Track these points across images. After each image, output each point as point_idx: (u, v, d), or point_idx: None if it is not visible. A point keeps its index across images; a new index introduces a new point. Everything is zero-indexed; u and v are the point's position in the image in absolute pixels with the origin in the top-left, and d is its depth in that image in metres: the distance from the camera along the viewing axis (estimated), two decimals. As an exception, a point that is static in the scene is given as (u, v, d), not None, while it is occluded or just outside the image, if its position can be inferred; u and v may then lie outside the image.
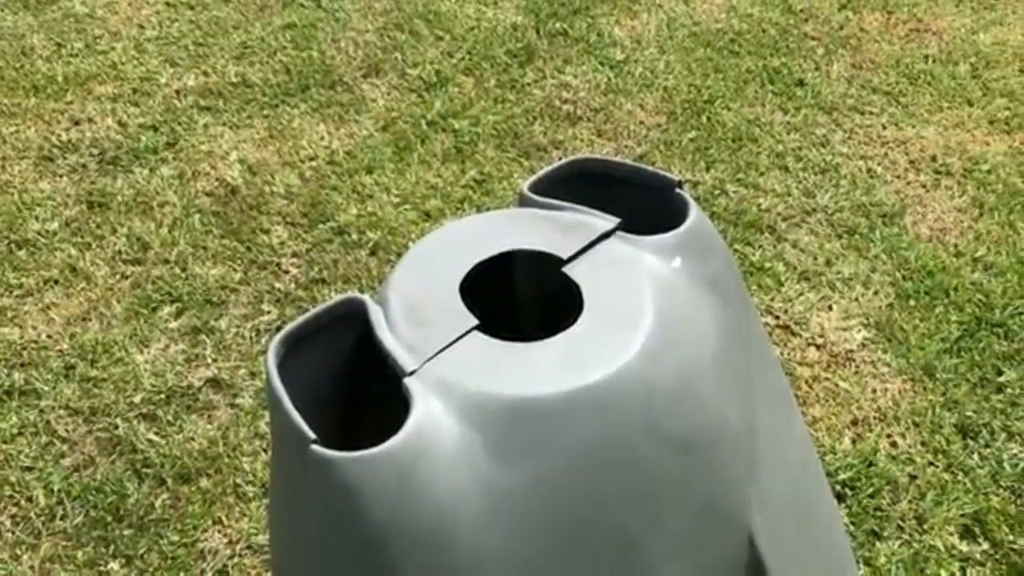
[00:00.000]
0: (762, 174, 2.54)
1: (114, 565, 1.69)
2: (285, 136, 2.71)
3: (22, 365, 2.05)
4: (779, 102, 2.81)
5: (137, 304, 2.18)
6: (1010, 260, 2.25)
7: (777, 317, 2.12)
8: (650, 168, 1.07)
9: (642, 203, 1.03)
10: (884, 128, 2.71)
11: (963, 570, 1.65)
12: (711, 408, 0.94)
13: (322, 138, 2.70)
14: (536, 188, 1.05)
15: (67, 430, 1.92)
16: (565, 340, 0.89)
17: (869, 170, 2.55)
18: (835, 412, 1.92)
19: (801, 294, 2.17)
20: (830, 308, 2.14)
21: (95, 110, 2.83)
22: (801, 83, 2.89)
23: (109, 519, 1.76)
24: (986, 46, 3.05)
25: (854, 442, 1.85)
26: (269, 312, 2.16)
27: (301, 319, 0.90)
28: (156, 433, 1.90)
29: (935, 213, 2.41)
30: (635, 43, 3.10)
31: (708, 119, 2.74)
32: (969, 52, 3.02)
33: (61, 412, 1.95)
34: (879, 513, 1.73)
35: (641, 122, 2.75)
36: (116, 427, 1.91)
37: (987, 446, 1.84)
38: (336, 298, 0.92)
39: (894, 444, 1.85)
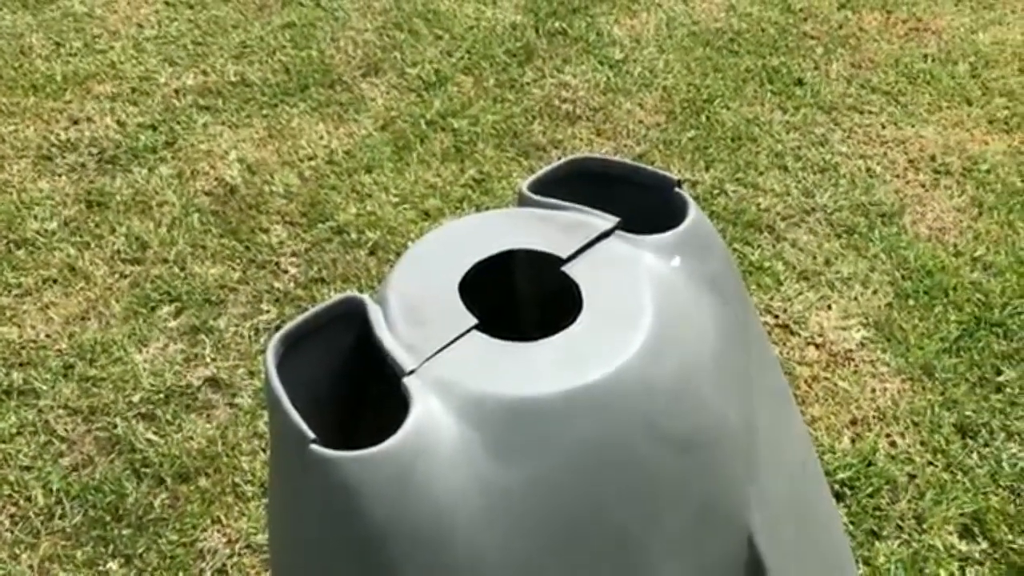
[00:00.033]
0: (761, 173, 2.53)
1: (113, 564, 1.69)
2: (284, 135, 2.71)
3: (21, 364, 2.05)
4: (778, 101, 2.81)
5: (136, 303, 2.18)
6: (1009, 260, 2.25)
7: (776, 316, 2.12)
8: (649, 167, 1.07)
9: (641, 202, 1.03)
10: (883, 127, 2.71)
11: (962, 569, 1.65)
12: (710, 407, 0.94)
13: (321, 137, 2.70)
14: (535, 187, 1.05)
15: (66, 429, 1.92)
16: (564, 339, 0.89)
17: (868, 169, 2.55)
18: (834, 411, 1.92)
19: (800, 293, 2.17)
20: (829, 307, 2.14)
21: (94, 109, 2.83)
22: (800, 82, 2.89)
23: (108, 518, 1.76)
24: (985, 45, 3.05)
25: (853, 441, 1.85)
26: (268, 311, 2.16)
27: (300, 318, 0.90)
28: (155, 432, 1.90)
29: (934, 212, 2.41)
30: (634, 42, 3.09)
31: (707, 118, 2.74)
32: (968, 51, 3.02)
33: (60, 411, 1.95)
34: (878, 512, 1.73)
35: (640, 121, 2.75)
36: (115, 426, 1.91)
37: (986, 446, 1.84)
38: (335, 297, 0.92)
39: (893, 444, 1.85)
